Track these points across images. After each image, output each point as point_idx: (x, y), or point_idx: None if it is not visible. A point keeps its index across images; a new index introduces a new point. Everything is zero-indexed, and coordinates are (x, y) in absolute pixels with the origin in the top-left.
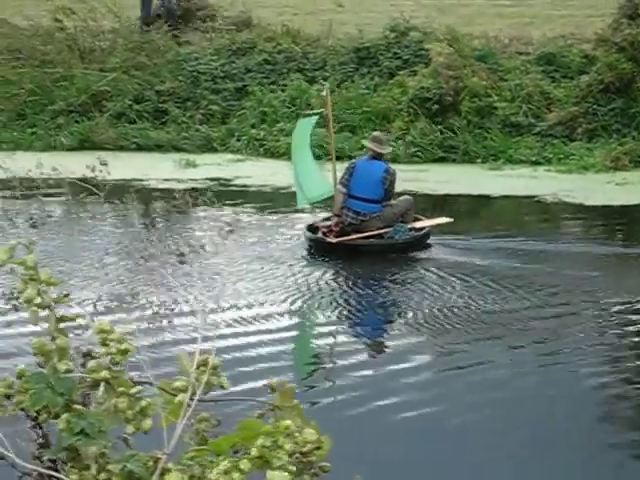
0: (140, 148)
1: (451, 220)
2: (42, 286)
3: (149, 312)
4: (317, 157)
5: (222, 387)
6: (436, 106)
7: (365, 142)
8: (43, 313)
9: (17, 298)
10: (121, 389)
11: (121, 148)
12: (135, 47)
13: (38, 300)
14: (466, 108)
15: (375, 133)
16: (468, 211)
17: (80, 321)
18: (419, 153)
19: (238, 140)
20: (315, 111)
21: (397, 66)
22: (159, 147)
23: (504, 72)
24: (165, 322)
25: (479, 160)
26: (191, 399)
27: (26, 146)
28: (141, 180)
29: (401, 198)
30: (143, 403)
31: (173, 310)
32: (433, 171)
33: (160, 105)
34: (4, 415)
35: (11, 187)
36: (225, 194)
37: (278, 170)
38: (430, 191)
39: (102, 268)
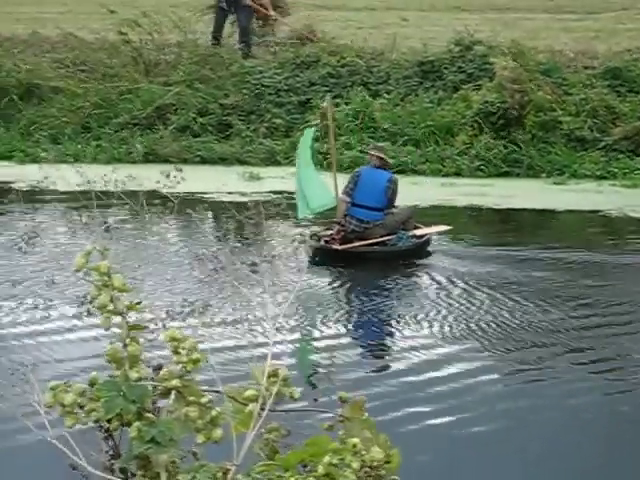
0: (204, 161)
1: (450, 228)
2: (115, 293)
3: (220, 322)
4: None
5: (292, 398)
6: (500, 120)
7: (371, 151)
8: (116, 320)
9: (91, 303)
10: (192, 398)
11: (185, 161)
12: (200, 60)
13: (111, 307)
14: (531, 122)
15: (377, 143)
16: (531, 225)
17: (152, 329)
18: (483, 167)
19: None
20: (313, 123)
21: (461, 80)
22: (223, 160)
23: (569, 86)
24: (235, 332)
25: (543, 174)
26: (261, 409)
27: (90, 158)
28: (205, 193)
29: (402, 206)
30: (214, 413)
31: (244, 320)
32: (497, 185)
33: (224, 118)
34: (76, 423)
35: (86, 196)
36: (290, 207)
37: (340, 183)
38: (494, 205)
39: (174, 277)
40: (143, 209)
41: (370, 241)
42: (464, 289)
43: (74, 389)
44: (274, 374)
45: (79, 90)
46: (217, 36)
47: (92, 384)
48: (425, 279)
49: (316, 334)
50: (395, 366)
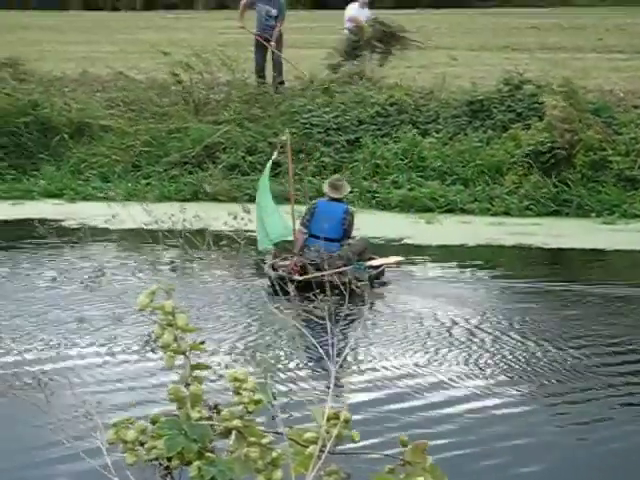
0: (253, 199)
1: (401, 259)
2: (179, 332)
3: (282, 362)
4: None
5: (352, 440)
6: (550, 159)
7: (323, 186)
8: (179, 359)
9: (154, 342)
10: (253, 438)
11: (234, 199)
12: (249, 99)
13: (174, 346)
14: (580, 162)
15: (333, 177)
16: (580, 264)
17: (215, 369)
18: (532, 206)
19: (350, 192)
20: (272, 156)
21: (510, 119)
22: (273, 199)
23: (619, 125)
24: (298, 373)
25: (593, 214)
26: (321, 451)
27: (140, 197)
28: (253, 231)
29: (357, 238)
30: (274, 454)
31: (305, 362)
32: (546, 225)
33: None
34: (138, 461)
35: (151, 234)
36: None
37: (390, 222)
38: (542, 244)
39: (239, 316)
40: (209, 248)
41: (329, 272)
42: (503, 325)
43: (136, 426)
44: (335, 416)
45: (129, 129)
46: (261, 73)
47: (154, 422)
48: (471, 315)
49: (368, 372)
50: (448, 407)
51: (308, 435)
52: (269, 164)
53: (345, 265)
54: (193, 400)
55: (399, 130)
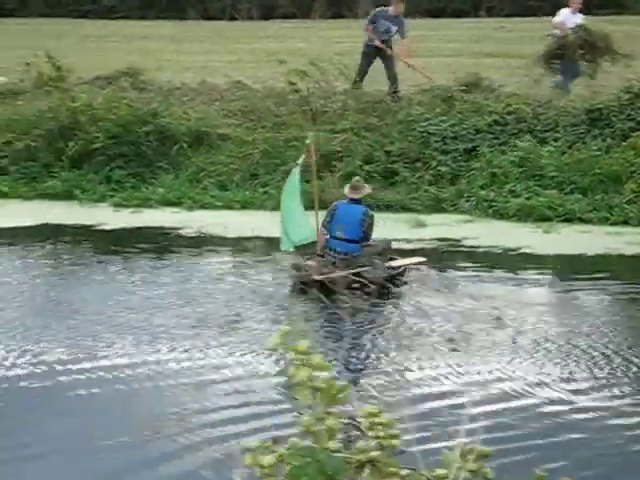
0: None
1: (425, 260)
2: (313, 371)
3: (417, 395)
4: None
5: (485, 477)
6: None
7: (345, 189)
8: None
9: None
10: (391, 469)
11: None
12: (366, 108)
13: (309, 384)
14: None
15: (354, 179)
16: None
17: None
18: None
19: (467, 201)
20: (299, 160)
21: (630, 128)
22: (388, 207)
23: None
24: (432, 405)
25: None
26: None
27: (257, 205)
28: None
29: (379, 239)
30: None
31: (441, 393)
32: None
33: (390, 166)
34: None
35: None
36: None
37: (507, 231)
38: None
39: (372, 348)
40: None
41: (347, 272)
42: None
43: (274, 452)
44: (469, 452)
45: (247, 137)
46: (359, 78)
47: (290, 449)
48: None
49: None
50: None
51: (439, 472)
52: (299, 167)
53: (365, 265)
54: (329, 433)
55: (517, 139)
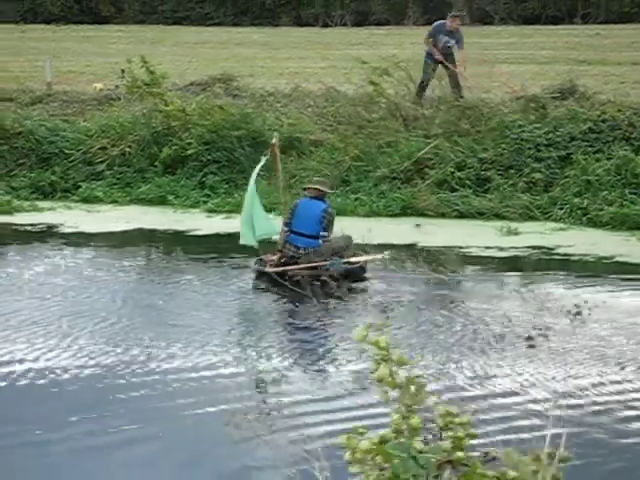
0: (461, 215)
1: (384, 255)
2: (394, 366)
3: (496, 397)
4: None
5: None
6: None
7: (308, 185)
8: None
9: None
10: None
11: (442, 215)
12: (459, 114)
13: (390, 379)
14: None
15: (319, 177)
16: None
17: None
18: None
19: (561, 209)
20: (263, 157)
21: None
22: (480, 215)
23: None
24: (513, 408)
25: None
26: None
27: (349, 211)
28: (460, 247)
29: (340, 235)
30: None
31: (520, 396)
32: None
33: (482, 172)
34: (361, 472)
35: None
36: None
37: (601, 239)
38: None
39: (449, 344)
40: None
41: (303, 265)
42: None
43: (369, 439)
44: (550, 455)
45: (339, 144)
46: (424, 85)
47: (382, 442)
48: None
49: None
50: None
51: (512, 474)
52: (260, 164)
53: (323, 260)
54: (412, 432)
55: (611, 146)
